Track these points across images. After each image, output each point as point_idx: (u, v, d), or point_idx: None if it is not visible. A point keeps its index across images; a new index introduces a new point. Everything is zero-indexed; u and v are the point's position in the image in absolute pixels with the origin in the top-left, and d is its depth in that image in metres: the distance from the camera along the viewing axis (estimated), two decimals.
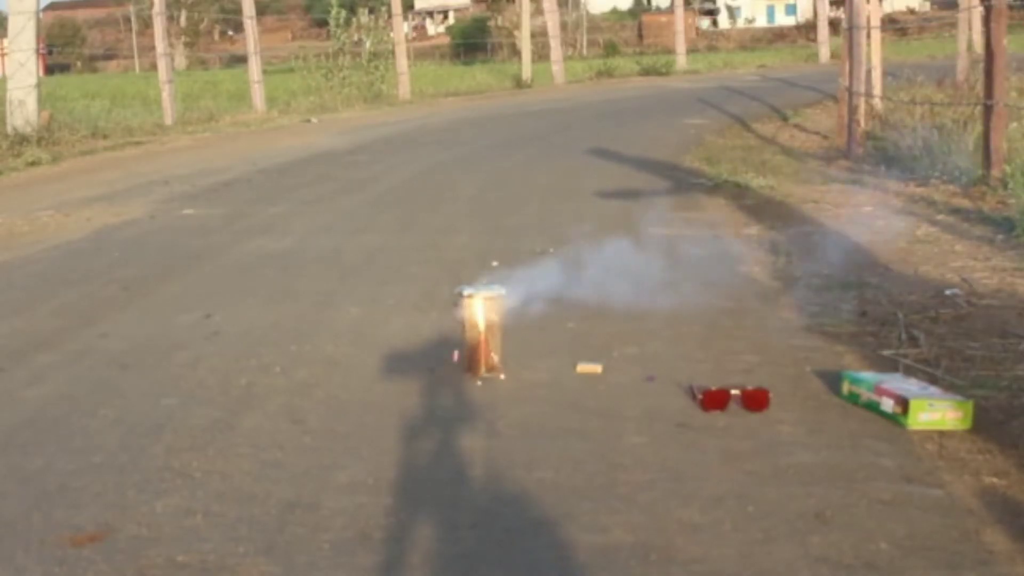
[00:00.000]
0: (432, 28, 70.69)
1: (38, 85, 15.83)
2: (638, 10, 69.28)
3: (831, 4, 34.05)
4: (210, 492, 3.49)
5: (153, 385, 4.63)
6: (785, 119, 15.92)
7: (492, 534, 3.17)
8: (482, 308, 4.49)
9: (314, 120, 19.32)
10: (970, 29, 19.45)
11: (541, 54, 31.13)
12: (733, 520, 3.20)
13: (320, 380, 4.59)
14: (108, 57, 58.17)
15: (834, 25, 31.67)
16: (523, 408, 4.20)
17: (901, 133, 10.92)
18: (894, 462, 3.59)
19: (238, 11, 25.21)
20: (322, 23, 32.27)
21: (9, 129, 15.16)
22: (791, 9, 68.14)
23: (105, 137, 16.43)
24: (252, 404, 4.35)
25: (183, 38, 54.15)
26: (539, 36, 31.14)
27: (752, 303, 5.64)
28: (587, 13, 58.20)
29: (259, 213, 9.28)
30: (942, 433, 3.81)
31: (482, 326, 4.48)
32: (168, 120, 18.56)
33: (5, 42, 17.92)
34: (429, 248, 7.42)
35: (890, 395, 3.96)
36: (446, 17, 71.27)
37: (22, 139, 14.80)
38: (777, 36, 58.75)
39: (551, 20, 28.95)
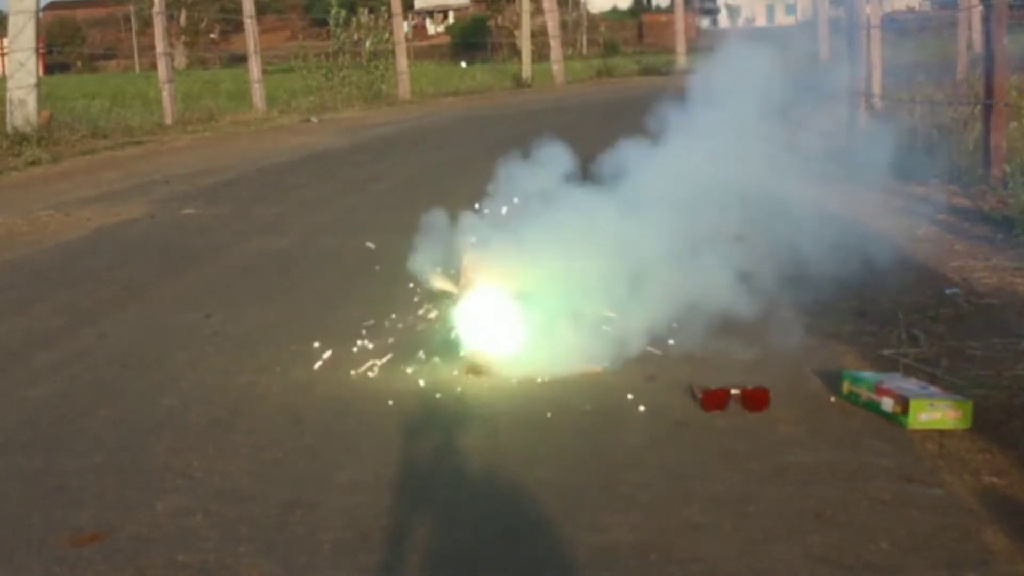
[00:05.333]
0: (432, 28, 70.68)
1: (38, 85, 15.82)
2: (638, 10, 69.25)
3: (831, 3, 33.99)
4: (210, 492, 3.49)
5: (153, 385, 4.64)
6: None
7: (492, 533, 3.17)
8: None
9: (314, 120, 19.32)
10: (970, 29, 19.41)
11: (541, 54, 31.11)
12: (733, 520, 3.20)
13: (320, 380, 4.59)
14: (108, 57, 58.10)
15: (834, 24, 31.61)
16: (523, 407, 4.20)
17: (901, 132, 10.90)
18: (894, 462, 3.59)
19: (238, 11, 25.19)
20: (322, 23, 32.21)
21: (9, 129, 15.15)
22: (791, 9, 68.13)
23: (105, 137, 16.42)
24: (252, 404, 4.36)
25: (183, 38, 54.13)
26: (539, 36, 31.12)
27: (751, 303, 5.63)
28: (587, 13, 58.17)
29: (259, 213, 9.28)
30: (942, 433, 3.80)
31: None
32: (168, 120, 18.55)
33: (5, 42, 17.91)
34: None
35: (890, 395, 3.96)
36: (446, 17, 71.25)
37: (22, 139, 14.78)
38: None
39: (551, 20, 28.93)
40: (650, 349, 4.67)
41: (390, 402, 4.28)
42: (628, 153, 5.08)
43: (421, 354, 4.69)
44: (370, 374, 4.61)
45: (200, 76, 34.53)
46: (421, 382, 4.48)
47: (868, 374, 4.23)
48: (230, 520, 3.28)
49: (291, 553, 3.08)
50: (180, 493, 3.49)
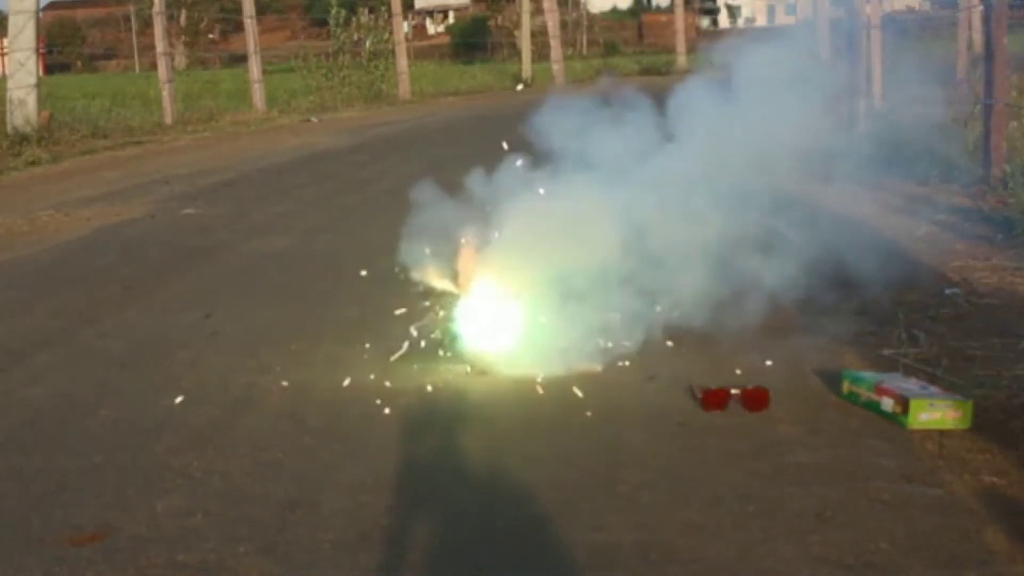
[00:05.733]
0: (432, 28, 70.66)
1: (38, 85, 15.82)
2: (638, 9, 69.22)
3: (831, 3, 33.98)
4: (210, 492, 3.50)
5: (153, 385, 4.63)
6: None
7: (492, 533, 3.17)
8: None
9: (314, 119, 19.31)
10: (970, 29, 19.40)
11: (541, 54, 31.10)
12: (733, 520, 3.20)
13: (320, 380, 4.59)
14: (108, 57, 58.04)
15: (834, 24, 31.60)
16: (523, 407, 4.19)
17: (901, 132, 10.90)
18: (894, 462, 3.59)
19: (238, 11, 25.18)
20: (322, 23, 32.22)
21: (9, 129, 15.15)
22: (791, 9, 68.12)
23: (105, 137, 16.42)
24: (252, 404, 4.35)
25: (183, 38, 54.09)
26: (539, 36, 31.11)
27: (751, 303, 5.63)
28: (587, 12, 58.15)
29: (259, 212, 9.28)
30: (942, 432, 3.81)
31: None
32: (168, 120, 18.55)
33: (5, 42, 17.90)
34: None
35: (890, 394, 3.96)
36: (446, 17, 71.24)
37: (22, 139, 14.79)
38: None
39: (551, 20, 28.90)
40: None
41: (390, 402, 4.28)
42: (632, 148, 5.09)
43: (421, 354, 4.69)
44: (370, 375, 4.61)
45: (200, 76, 34.52)
46: (424, 382, 4.48)
47: (868, 374, 4.23)
48: (230, 520, 3.28)
49: (291, 553, 3.08)
50: (180, 493, 3.49)
